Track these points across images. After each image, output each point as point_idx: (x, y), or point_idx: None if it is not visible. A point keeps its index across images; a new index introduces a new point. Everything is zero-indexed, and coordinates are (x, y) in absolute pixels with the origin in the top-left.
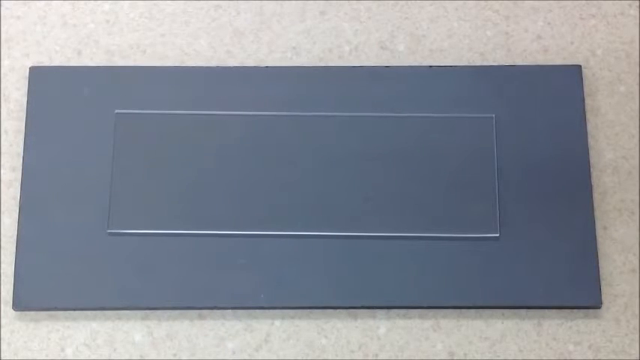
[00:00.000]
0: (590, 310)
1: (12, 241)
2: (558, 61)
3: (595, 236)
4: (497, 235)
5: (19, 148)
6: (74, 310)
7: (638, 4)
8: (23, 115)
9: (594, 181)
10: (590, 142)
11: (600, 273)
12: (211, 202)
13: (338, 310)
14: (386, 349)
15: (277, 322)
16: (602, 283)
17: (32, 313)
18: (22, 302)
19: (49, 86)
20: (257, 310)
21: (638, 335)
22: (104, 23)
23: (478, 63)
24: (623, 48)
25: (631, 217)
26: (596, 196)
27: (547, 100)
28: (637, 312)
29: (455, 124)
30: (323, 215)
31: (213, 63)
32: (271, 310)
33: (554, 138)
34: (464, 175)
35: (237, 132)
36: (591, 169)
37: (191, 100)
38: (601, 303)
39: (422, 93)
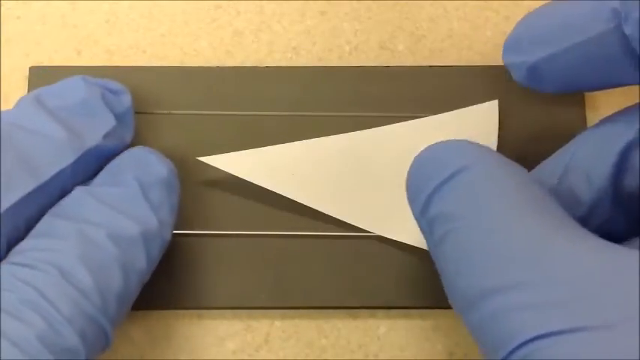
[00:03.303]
0: None
1: None
2: None
3: None
4: None
5: None
6: None
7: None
8: None
9: None
10: None
11: None
12: (211, 201)
13: (338, 310)
14: (386, 349)
15: (277, 322)
16: None
17: None
18: None
19: None
20: (257, 310)
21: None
22: (104, 23)
23: (478, 63)
24: None
25: None
26: None
27: (547, 100)
28: None
29: None
30: (323, 215)
31: (213, 63)
32: (271, 310)
33: (554, 138)
34: None
35: (237, 132)
36: None
37: (191, 100)
38: None
39: (422, 93)
